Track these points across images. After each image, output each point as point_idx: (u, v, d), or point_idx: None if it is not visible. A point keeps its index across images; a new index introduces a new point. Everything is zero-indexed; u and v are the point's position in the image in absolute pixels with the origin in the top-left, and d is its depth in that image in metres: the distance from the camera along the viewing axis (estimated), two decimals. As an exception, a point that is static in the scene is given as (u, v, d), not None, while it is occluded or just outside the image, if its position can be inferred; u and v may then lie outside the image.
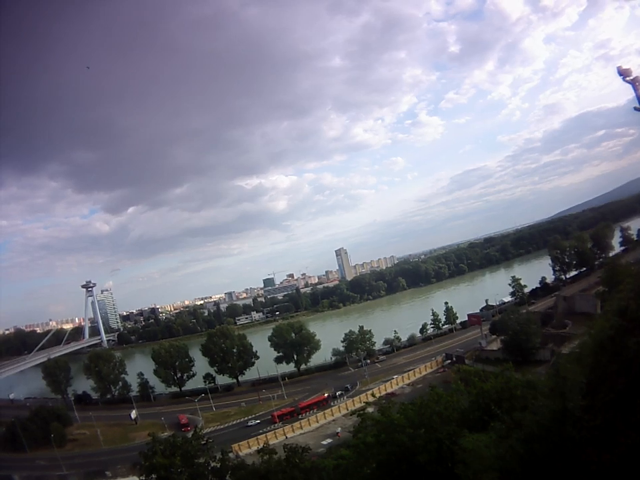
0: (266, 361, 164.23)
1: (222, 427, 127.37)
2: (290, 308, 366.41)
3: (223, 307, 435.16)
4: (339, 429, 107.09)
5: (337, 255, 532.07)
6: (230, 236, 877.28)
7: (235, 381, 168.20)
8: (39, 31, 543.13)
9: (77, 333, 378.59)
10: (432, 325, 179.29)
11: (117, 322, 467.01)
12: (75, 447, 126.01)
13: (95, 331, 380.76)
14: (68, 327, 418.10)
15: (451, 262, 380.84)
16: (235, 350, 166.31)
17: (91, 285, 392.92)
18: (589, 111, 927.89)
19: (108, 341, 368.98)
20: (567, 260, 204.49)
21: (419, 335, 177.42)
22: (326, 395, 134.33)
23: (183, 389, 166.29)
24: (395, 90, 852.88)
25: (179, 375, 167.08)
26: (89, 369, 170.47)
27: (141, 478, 56.98)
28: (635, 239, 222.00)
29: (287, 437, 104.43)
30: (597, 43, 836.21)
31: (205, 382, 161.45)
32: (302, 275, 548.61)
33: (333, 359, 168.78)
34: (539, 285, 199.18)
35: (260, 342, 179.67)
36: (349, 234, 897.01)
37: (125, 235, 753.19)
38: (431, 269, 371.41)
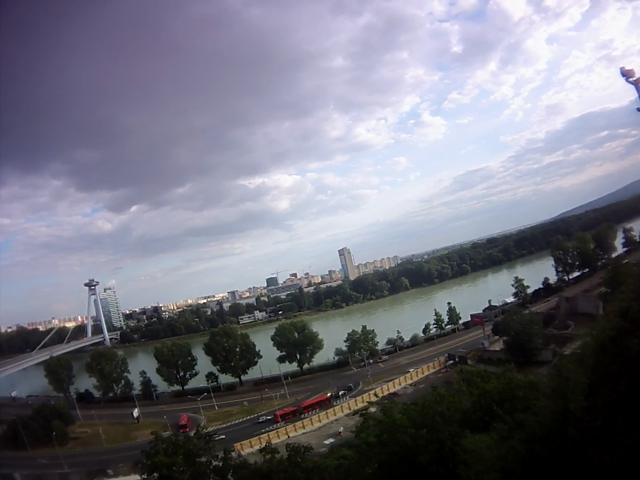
0: (269, 361, 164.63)
1: (224, 425, 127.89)
2: (293, 307, 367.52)
3: (225, 306, 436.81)
4: (341, 428, 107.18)
5: (340, 255, 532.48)
6: (233, 235, 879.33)
7: (237, 380, 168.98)
8: (41, 30, 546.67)
9: (80, 331, 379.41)
10: (435, 325, 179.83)
11: (120, 320, 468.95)
12: (76, 446, 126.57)
13: (97, 330, 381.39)
14: (70, 325, 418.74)
15: (453, 262, 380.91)
16: (237, 349, 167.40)
17: (94, 283, 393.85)
18: (592, 111, 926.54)
19: (110, 339, 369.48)
20: (569, 261, 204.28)
21: (421, 335, 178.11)
22: (329, 394, 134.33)
23: (185, 387, 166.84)
24: (397, 90, 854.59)
25: (181, 373, 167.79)
26: (91, 368, 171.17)
27: (142, 476, 57.02)
28: (638, 239, 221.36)
29: (289, 437, 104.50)
30: (599, 44, 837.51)
31: (207, 381, 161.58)
32: (305, 274, 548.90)
33: (336, 358, 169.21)
34: (541, 286, 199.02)
35: (263, 341, 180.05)
36: (351, 234, 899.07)
37: (128, 234, 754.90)
38: (434, 269, 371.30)
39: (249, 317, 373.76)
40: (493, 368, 74.58)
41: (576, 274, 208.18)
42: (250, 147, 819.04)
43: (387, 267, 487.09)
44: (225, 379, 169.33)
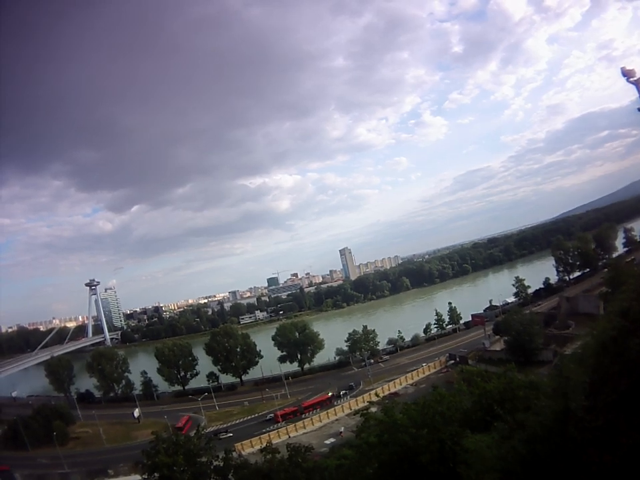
0: (270, 360, 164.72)
1: (225, 425, 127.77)
2: (294, 307, 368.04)
3: (226, 306, 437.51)
4: (342, 428, 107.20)
5: (341, 255, 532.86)
6: (233, 235, 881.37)
7: (238, 380, 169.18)
8: (41, 30, 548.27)
9: (80, 331, 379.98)
10: (435, 325, 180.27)
11: (121, 320, 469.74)
12: (77, 445, 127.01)
13: (98, 330, 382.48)
14: (71, 325, 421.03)
15: (454, 262, 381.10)
16: (238, 349, 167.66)
17: (95, 283, 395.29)
18: (592, 111, 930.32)
19: (111, 339, 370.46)
20: (570, 261, 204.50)
21: (422, 335, 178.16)
22: (330, 394, 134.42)
23: (186, 387, 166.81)
24: (398, 90, 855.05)
25: (182, 373, 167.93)
26: (92, 368, 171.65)
27: (143, 476, 57.08)
28: (638, 239, 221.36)
29: (290, 437, 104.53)
30: (600, 44, 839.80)
31: (208, 381, 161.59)
32: (306, 274, 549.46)
33: (337, 358, 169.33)
34: (542, 286, 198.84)
35: (264, 341, 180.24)
36: (352, 234, 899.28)
37: (129, 234, 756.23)
38: (435, 269, 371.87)
39: (250, 317, 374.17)
40: (493, 368, 74.72)
41: (577, 274, 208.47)
42: (250, 147, 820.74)
43: (388, 267, 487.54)
44: (226, 378, 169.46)
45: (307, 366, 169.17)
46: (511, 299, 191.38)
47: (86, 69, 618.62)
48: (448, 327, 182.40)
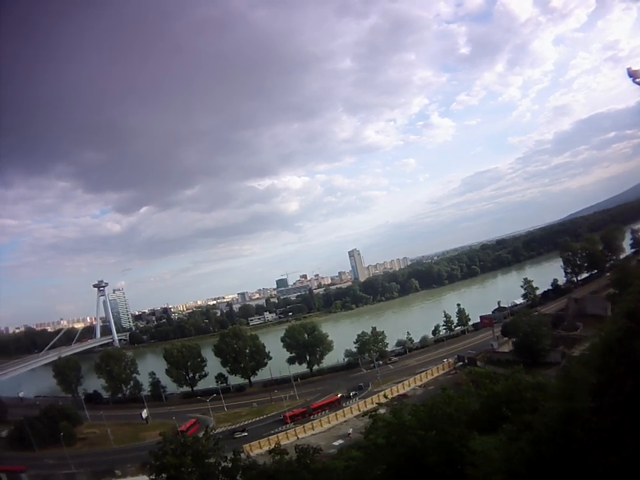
0: (278, 362, 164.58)
1: (233, 426, 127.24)
2: (303, 309, 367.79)
3: (235, 307, 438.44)
4: (351, 430, 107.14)
5: (350, 256, 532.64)
6: (242, 237, 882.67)
7: (247, 381, 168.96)
8: (43, 30, 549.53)
9: (88, 332, 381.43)
10: (444, 327, 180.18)
11: (129, 321, 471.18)
12: (84, 446, 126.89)
13: (106, 331, 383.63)
14: (79, 326, 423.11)
15: (463, 264, 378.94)
16: (247, 350, 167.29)
17: (103, 284, 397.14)
18: (599, 112, 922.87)
19: (120, 340, 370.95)
20: (578, 262, 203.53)
21: (431, 336, 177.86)
22: (339, 395, 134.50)
23: (194, 388, 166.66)
24: (405, 91, 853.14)
25: (190, 374, 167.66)
26: (100, 368, 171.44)
27: (150, 477, 57.14)
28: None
29: (298, 438, 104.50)
30: (605, 44, 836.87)
31: (217, 382, 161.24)
32: (315, 275, 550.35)
33: (346, 360, 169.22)
34: (550, 287, 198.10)
35: (272, 342, 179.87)
36: (361, 235, 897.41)
37: (137, 235, 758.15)
38: (444, 271, 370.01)
39: (259, 319, 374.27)
40: (501, 369, 74.57)
41: (584, 275, 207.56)
42: (257, 149, 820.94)
43: (397, 269, 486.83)
44: (235, 380, 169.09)
45: (315, 367, 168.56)
46: (519, 301, 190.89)
47: (89, 70, 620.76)
48: (456, 328, 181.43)
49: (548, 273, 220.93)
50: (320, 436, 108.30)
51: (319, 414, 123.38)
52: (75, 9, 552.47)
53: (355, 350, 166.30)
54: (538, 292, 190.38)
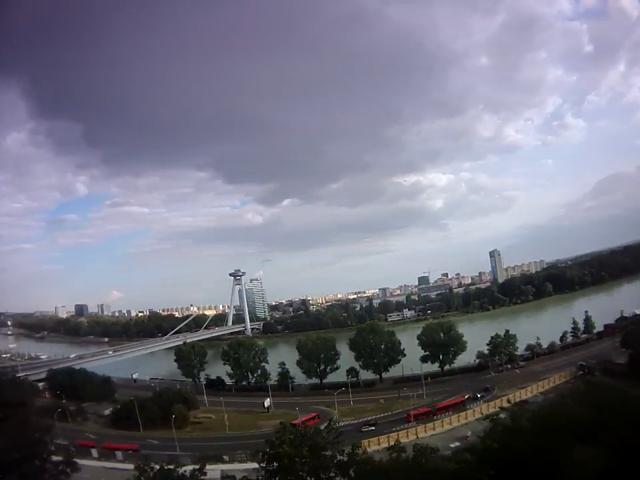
0: (411, 359, 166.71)
1: (355, 420, 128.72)
2: (442, 307, 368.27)
3: (375, 302, 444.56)
4: (469, 432, 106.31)
5: (490, 257, 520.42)
6: (388, 232, 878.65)
7: (377, 377, 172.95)
8: (188, 26, 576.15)
9: (219, 319, 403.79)
10: (571, 334, 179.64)
11: (264, 311, 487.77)
12: (196, 430, 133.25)
13: (239, 319, 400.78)
14: (210, 313, 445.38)
15: (593, 269, 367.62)
16: (382, 346, 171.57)
17: (240, 273, 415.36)
18: None
19: (252, 329, 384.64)
20: None
21: (558, 342, 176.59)
22: (466, 396, 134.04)
23: (323, 381, 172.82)
24: (540, 90, 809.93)
25: (322, 367, 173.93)
26: (227, 355, 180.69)
27: (261, 465, 58.58)
28: None
29: (417, 437, 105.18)
30: None
31: (347, 376, 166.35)
32: (456, 274, 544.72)
33: (477, 361, 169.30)
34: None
35: (408, 339, 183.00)
36: (501, 236, 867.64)
37: (278, 227, 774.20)
38: (576, 276, 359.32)
39: (398, 315, 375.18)
40: (618, 381, 71.94)
41: None
42: (404, 145, 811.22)
43: (534, 271, 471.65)
44: (365, 375, 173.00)
45: (446, 367, 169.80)
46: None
47: (230, 65, 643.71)
48: (582, 335, 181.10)
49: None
50: (439, 437, 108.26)
51: (443, 414, 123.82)
52: (217, 7, 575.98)
53: (486, 352, 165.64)
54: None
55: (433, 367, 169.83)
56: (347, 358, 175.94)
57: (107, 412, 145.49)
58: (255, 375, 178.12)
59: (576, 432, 28.37)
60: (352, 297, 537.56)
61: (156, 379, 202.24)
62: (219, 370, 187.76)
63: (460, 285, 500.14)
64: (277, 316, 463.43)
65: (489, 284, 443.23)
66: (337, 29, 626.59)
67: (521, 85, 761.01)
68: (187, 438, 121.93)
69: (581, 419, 30.23)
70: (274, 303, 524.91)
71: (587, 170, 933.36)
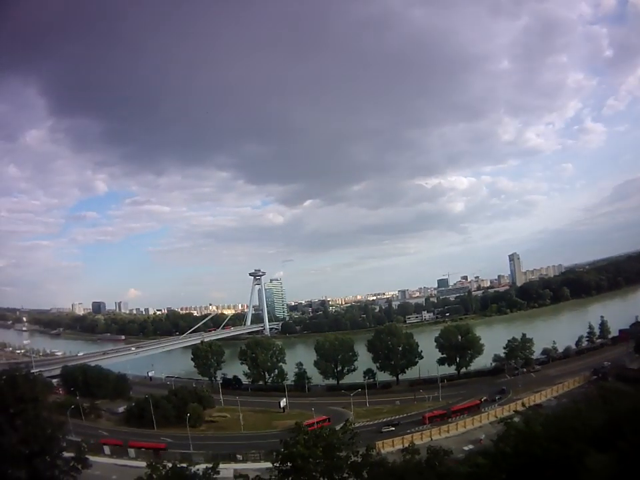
0: (428, 362, 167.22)
1: (372, 422, 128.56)
2: (460, 310, 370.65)
3: (395, 304, 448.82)
4: (483, 435, 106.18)
5: (509, 260, 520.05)
6: (408, 235, 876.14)
7: (394, 378, 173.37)
8: (210, 29, 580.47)
9: (238, 319, 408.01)
10: (587, 339, 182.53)
11: (284, 311, 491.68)
12: (210, 429, 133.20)
13: (258, 319, 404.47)
14: (229, 312, 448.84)
15: (609, 274, 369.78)
16: (400, 348, 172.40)
17: (260, 273, 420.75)
18: None
19: (271, 329, 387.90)
20: None
21: (574, 347, 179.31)
22: (482, 399, 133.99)
23: (340, 382, 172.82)
24: (561, 94, 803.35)
25: (339, 368, 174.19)
26: (245, 354, 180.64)
27: (274, 465, 58.71)
28: None
29: (432, 439, 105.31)
30: None
31: (364, 377, 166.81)
32: (475, 278, 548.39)
33: (493, 364, 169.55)
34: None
35: (426, 342, 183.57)
36: (520, 240, 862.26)
37: (300, 228, 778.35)
38: (592, 281, 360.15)
39: (416, 317, 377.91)
40: (630, 387, 71.53)
41: None
42: (426, 148, 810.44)
43: (552, 275, 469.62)
44: (382, 376, 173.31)
45: (463, 370, 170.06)
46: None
47: (254, 67, 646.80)
48: (597, 340, 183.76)
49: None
50: (453, 439, 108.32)
51: (458, 417, 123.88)
52: (240, 8, 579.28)
53: (503, 355, 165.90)
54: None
55: (449, 370, 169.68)
56: (363, 359, 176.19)
57: (121, 409, 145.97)
58: (272, 375, 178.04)
59: (588, 438, 28.22)
60: (371, 298, 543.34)
61: (172, 377, 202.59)
62: (235, 369, 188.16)
63: (479, 288, 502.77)
64: (295, 316, 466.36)
65: (507, 287, 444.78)
66: (359, 32, 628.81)
67: (541, 88, 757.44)
68: (201, 437, 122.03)
69: (594, 424, 30.06)
70: (293, 304, 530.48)
71: (605, 174, 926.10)
